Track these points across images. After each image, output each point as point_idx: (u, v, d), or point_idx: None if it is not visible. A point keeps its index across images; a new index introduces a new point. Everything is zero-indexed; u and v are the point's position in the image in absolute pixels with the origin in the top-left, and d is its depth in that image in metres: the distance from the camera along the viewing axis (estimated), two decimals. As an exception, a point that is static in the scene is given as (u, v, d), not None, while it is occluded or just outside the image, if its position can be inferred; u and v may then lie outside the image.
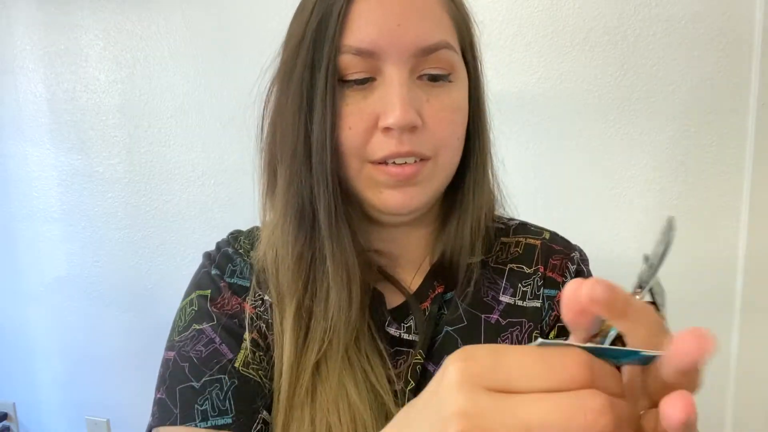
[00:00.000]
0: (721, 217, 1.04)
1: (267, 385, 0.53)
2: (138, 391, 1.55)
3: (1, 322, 1.71)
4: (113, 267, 1.52)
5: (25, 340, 1.68)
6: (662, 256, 0.33)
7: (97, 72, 1.43)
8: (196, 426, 0.49)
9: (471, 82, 0.54)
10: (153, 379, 0.54)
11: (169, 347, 0.55)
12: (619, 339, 0.31)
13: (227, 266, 0.59)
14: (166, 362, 0.54)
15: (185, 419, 0.49)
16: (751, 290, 1.04)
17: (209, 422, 0.49)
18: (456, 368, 0.25)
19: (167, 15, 1.35)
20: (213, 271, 0.58)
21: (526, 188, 1.13)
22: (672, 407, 0.24)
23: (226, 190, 1.37)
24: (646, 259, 0.35)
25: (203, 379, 0.51)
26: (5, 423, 1.75)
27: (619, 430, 0.23)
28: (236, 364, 0.52)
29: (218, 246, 0.62)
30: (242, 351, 0.53)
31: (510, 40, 1.08)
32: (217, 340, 0.53)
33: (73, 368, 1.64)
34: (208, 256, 0.61)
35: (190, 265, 0.60)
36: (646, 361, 0.28)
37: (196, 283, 0.59)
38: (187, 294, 0.58)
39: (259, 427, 0.50)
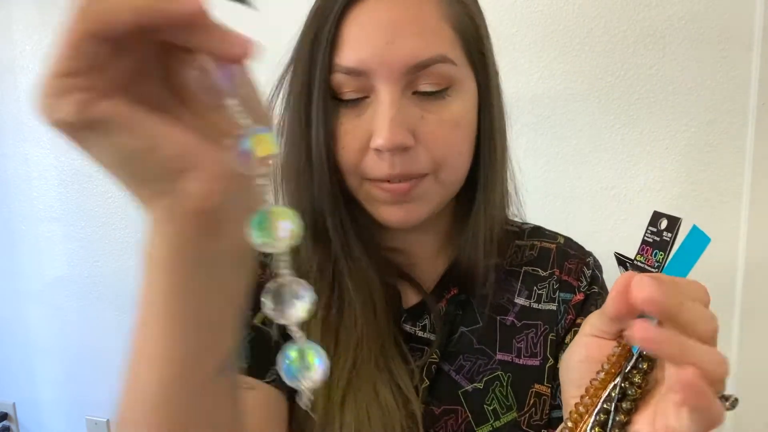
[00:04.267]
0: (721, 217, 1.04)
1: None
2: (138, 391, 1.55)
3: (1, 322, 1.71)
4: (113, 267, 1.52)
5: (25, 340, 1.68)
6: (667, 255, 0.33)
7: (97, 72, 1.43)
8: None
9: (481, 90, 0.52)
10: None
11: None
12: (640, 356, 0.32)
13: None
14: None
15: None
16: (751, 292, 1.04)
17: None
18: None
19: (167, 15, 1.35)
20: None
21: (526, 188, 1.13)
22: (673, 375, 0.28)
23: (226, 190, 1.37)
24: (621, 255, 0.35)
25: None
26: (5, 423, 1.75)
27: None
28: (255, 320, 0.53)
29: None
30: (262, 312, 0.54)
31: (510, 40, 1.08)
32: None
33: (73, 368, 1.64)
34: None
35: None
36: None
37: None
38: None
39: (273, 377, 0.51)
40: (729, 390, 0.31)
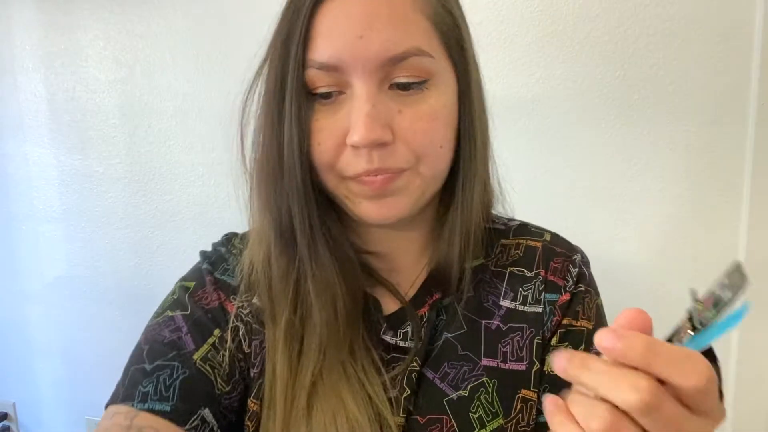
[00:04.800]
0: (721, 217, 1.04)
1: (220, 386, 0.52)
2: (138, 391, 1.55)
3: (1, 322, 1.70)
4: (113, 267, 1.52)
5: (25, 340, 1.68)
6: (730, 303, 0.33)
7: (97, 72, 1.43)
8: (133, 406, 0.47)
9: (461, 83, 0.51)
10: (153, 379, 0.54)
11: (143, 331, 0.56)
12: None
13: (221, 264, 0.58)
14: (136, 344, 0.54)
15: (126, 398, 0.48)
16: (751, 290, 1.04)
17: (147, 404, 0.47)
18: None
19: (167, 15, 1.35)
20: (204, 266, 0.58)
21: (526, 189, 1.12)
22: None
23: (226, 190, 1.37)
24: (694, 294, 0.35)
25: (156, 363, 0.50)
26: (5, 423, 1.75)
27: None
28: (194, 356, 0.51)
29: (213, 246, 0.62)
30: (205, 346, 0.52)
31: (510, 40, 1.08)
32: (184, 329, 0.53)
33: (73, 368, 1.64)
34: (203, 253, 0.60)
35: (190, 266, 0.60)
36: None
37: (184, 276, 0.59)
38: (174, 286, 0.58)
39: (195, 423, 0.49)
40: (729, 387, 0.31)
